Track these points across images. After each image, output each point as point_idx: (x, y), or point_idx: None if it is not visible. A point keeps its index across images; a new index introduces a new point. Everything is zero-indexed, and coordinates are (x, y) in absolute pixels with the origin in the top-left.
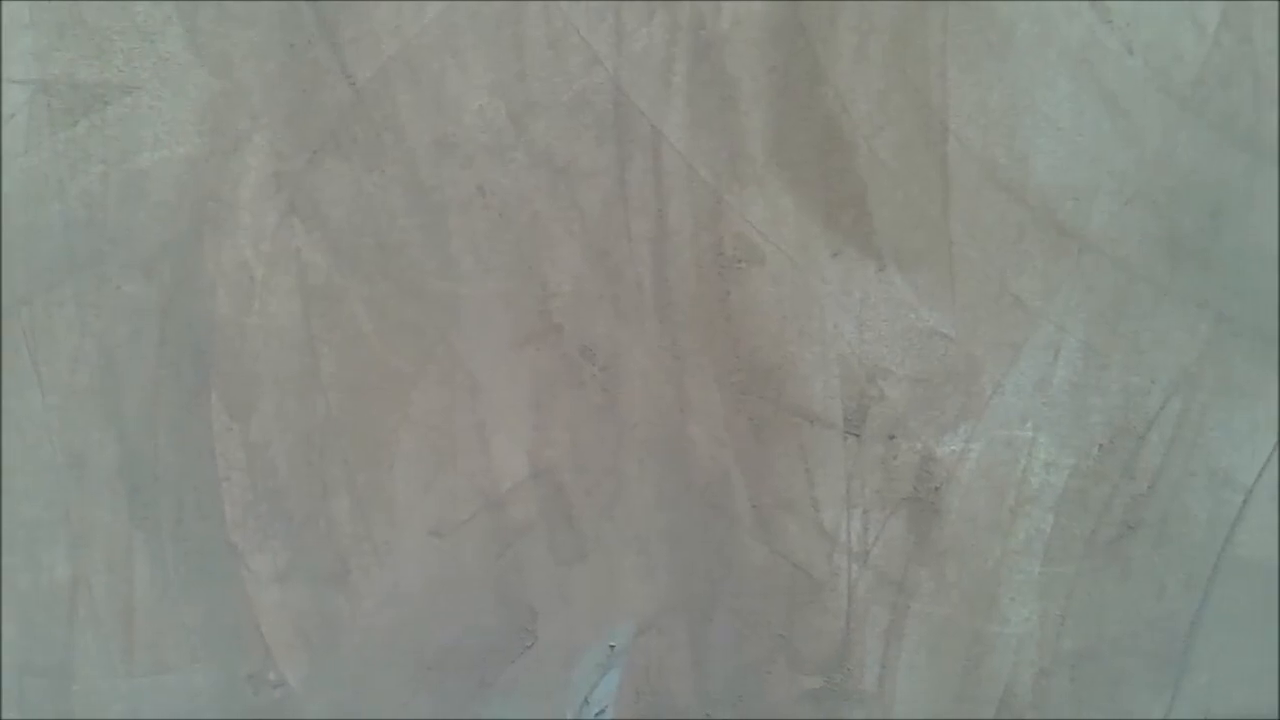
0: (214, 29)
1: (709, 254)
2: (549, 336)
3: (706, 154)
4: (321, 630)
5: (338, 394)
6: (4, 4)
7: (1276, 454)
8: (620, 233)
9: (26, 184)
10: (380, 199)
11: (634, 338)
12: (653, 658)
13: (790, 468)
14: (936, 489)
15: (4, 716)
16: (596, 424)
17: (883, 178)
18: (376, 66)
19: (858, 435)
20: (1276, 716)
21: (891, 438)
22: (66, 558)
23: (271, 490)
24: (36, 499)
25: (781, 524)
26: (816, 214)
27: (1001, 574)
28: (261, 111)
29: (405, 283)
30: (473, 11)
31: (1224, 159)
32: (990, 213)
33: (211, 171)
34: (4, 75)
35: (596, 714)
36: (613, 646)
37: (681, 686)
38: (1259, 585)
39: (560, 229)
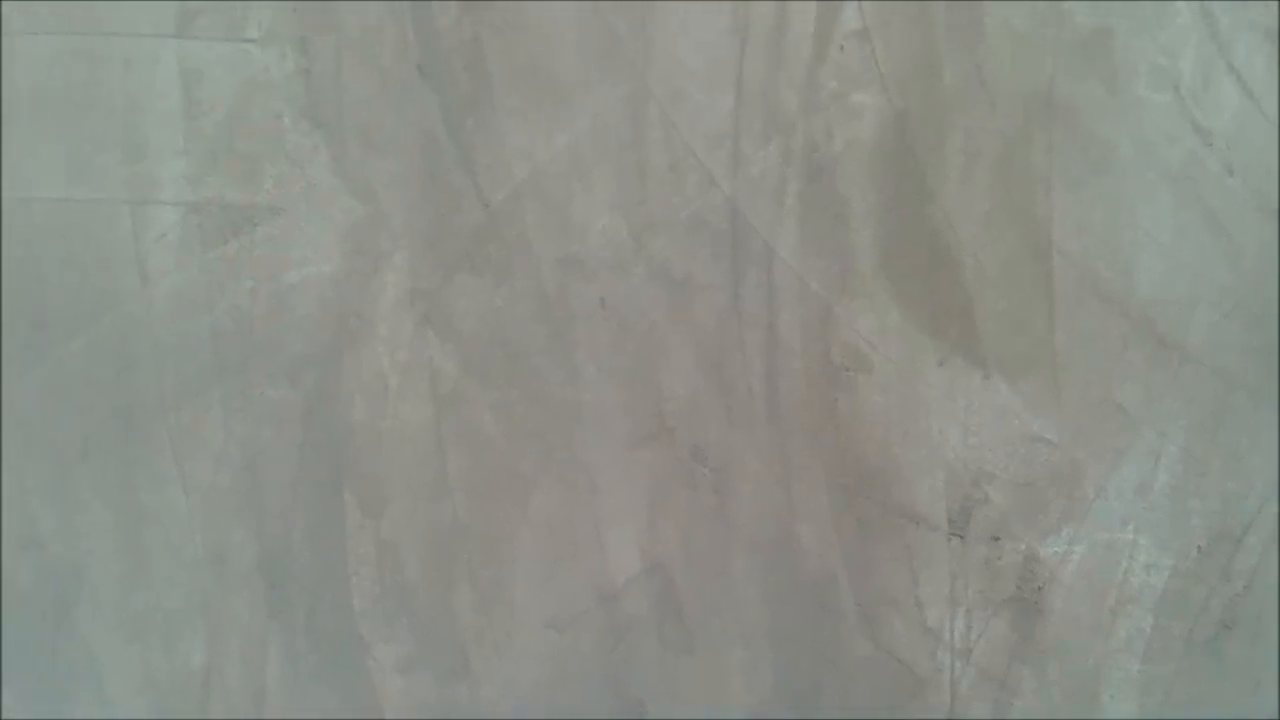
0: (359, 157)
1: (818, 362)
2: (663, 440)
3: (817, 268)
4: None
5: (463, 494)
6: (155, 130)
7: None
8: (733, 342)
9: (177, 299)
10: (508, 312)
11: (745, 441)
12: None
13: (895, 567)
14: (1039, 589)
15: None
16: (707, 523)
17: (988, 290)
18: (509, 190)
19: (962, 536)
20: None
21: (995, 539)
22: (203, 646)
23: (398, 585)
24: (177, 591)
25: (886, 621)
26: (923, 325)
27: (1102, 672)
28: (401, 233)
29: (529, 389)
30: (599, 139)
31: None
32: (1093, 324)
33: (353, 288)
34: (157, 197)
35: None
36: None
37: None
38: None
39: (677, 339)
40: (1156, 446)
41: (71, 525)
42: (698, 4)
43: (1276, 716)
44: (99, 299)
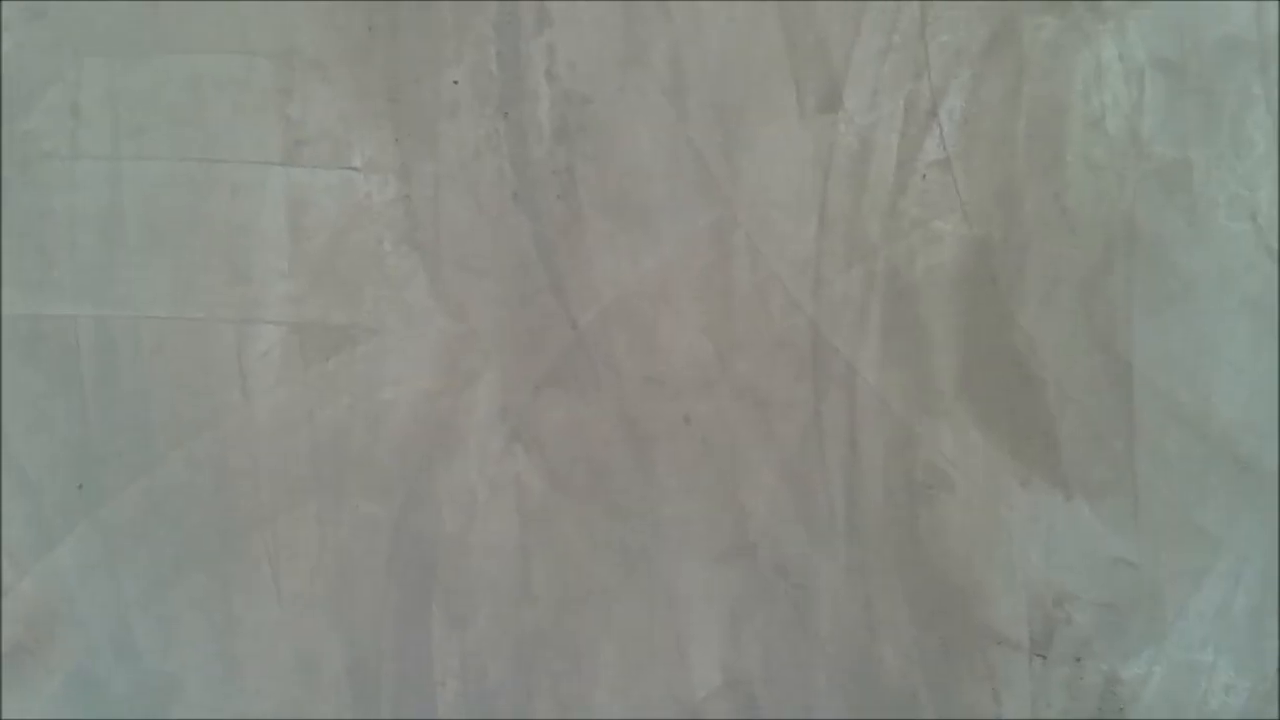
0: (454, 280)
1: (899, 481)
2: (745, 555)
3: (899, 389)
4: None
5: (547, 606)
6: (261, 253)
7: None
8: (815, 460)
9: (277, 414)
10: (594, 428)
11: (826, 558)
12: None
13: (977, 687)
14: (1120, 710)
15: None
16: (788, 638)
17: (1070, 412)
18: (597, 311)
19: (1044, 656)
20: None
21: (1078, 660)
22: None
23: (482, 694)
24: (267, 700)
25: None
26: (1005, 446)
27: None
28: (492, 351)
29: (613, 504)
30: (685, 263)
31: None
32: (1173, 447)
33: (445, 404)
34: (261, 317)
35: None
36: None
37: None
38: None
39: (759, 456)
40: (1236, 568)
41: (167, 635)
42: (783, 135)
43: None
44: (202, 414)
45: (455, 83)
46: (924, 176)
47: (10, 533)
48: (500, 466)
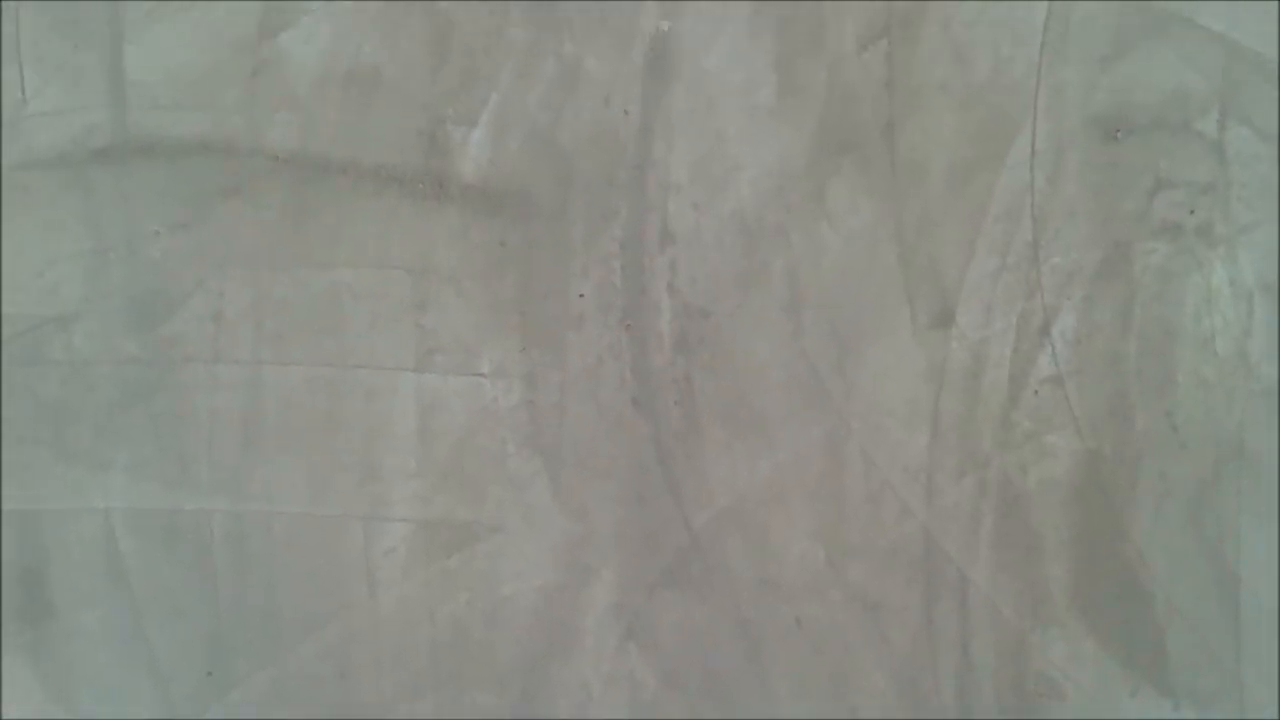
0: (575, 481)
1: (1010, 688)
2: None
3: (1010, 597)
4: None
5: None
6: (391, 454)
7: None
8: (926, 665)
9: (401, 608)
10: (707, 629)
11: None
12: None
13: None
14: None
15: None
16: None
17: (1179, 624)
18: (712, 514)
19: None
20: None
21: None
22: None
23: None
24: None
25: None
26: (1115, 655)
27: None
28: (610, 551)
29: (725, 703)
30: (799, 470)
31: None
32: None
33: (563, 601)
34: (389, 514)
35: None
36: None
37: None
38: None
39: (870, 660)
40: None
41: None
42: (897, 349)
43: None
44: (329, 607)
45: (581, 296)
46: (1036, 392)
47: (140, 716)
48: (614, 664)
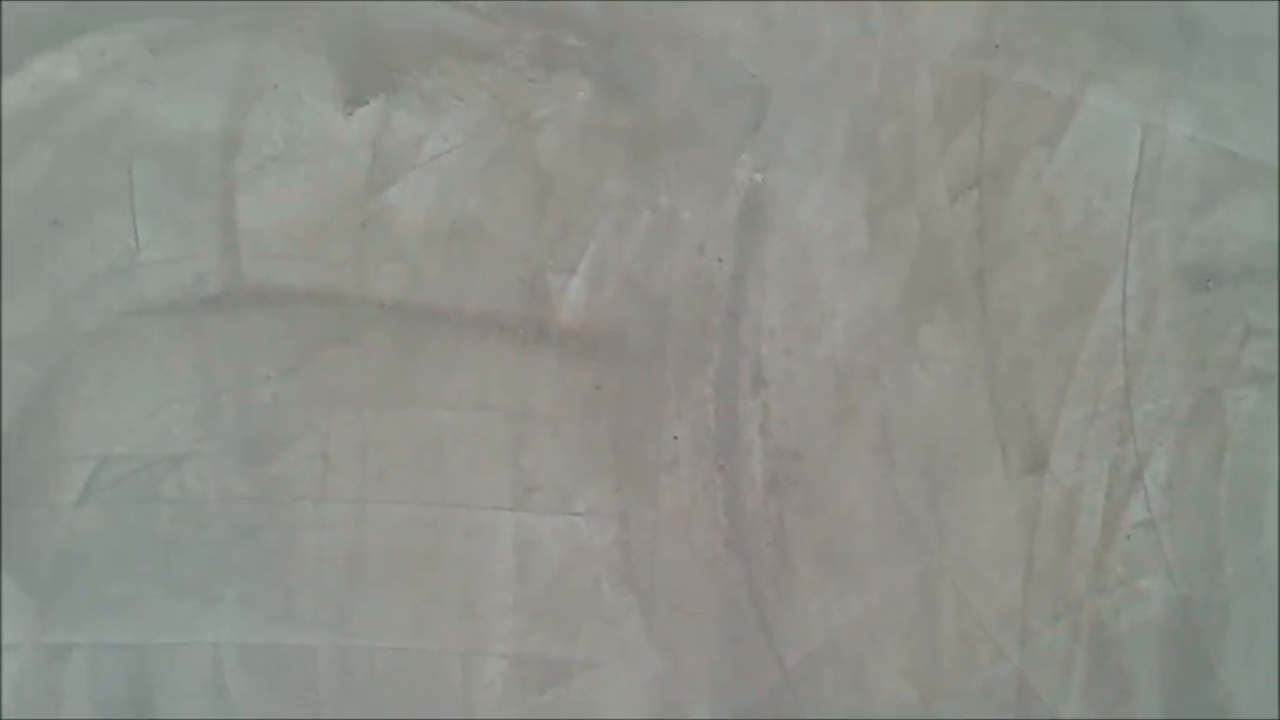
0: (667, 619)
1: None
2: None
3: None
4: None
5: None
6: (489, 591)
7: None
8: None
9: None
10: None
11: None
12: None
13: None
14: None
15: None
16: None
17: None
18: (804, 653)
19: None
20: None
21: None
22: None
23: None
24: None
25: None
26: None
27: None
28: (702, 688)
29: None
30: (892, 610)
31: None
32: None
33: None
34: (486, 650)
35: None
36: None
37: None
38: None
39: None
40: None
41: None
42: (990, 492)
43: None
44: None
45: (675, 438)
46: (1129, 536)
47: None
48: None
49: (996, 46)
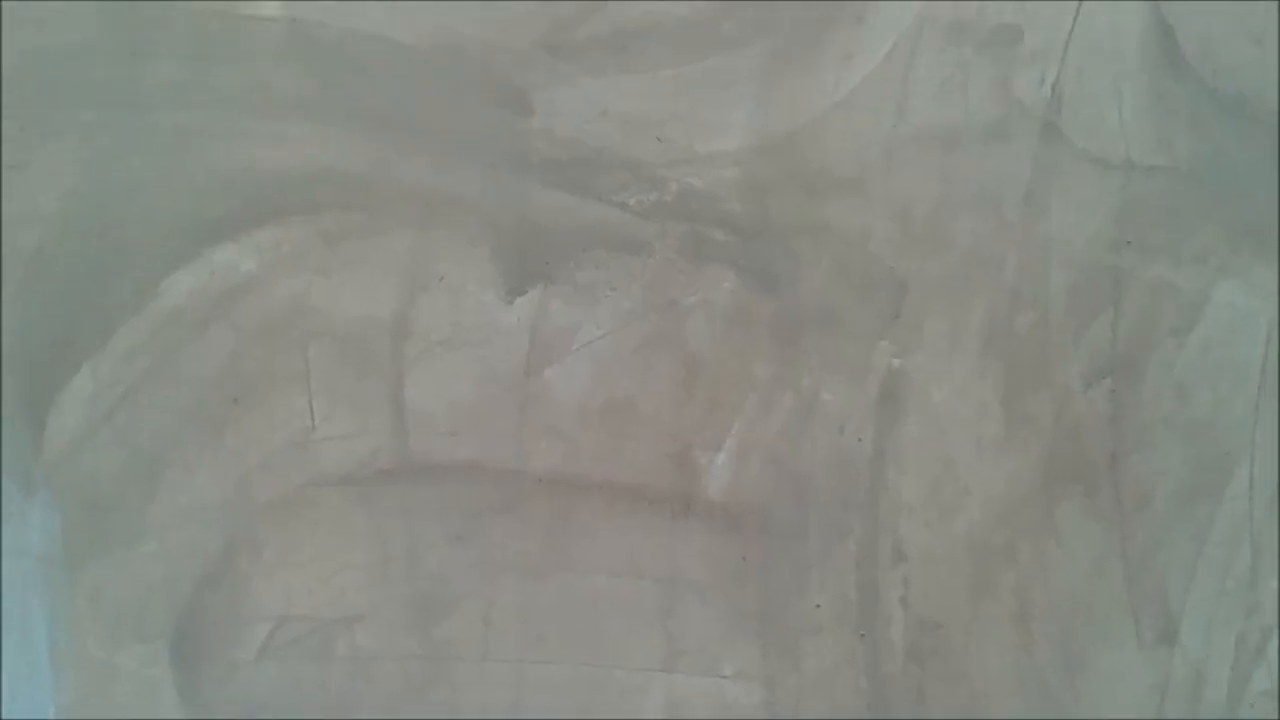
0: None
1: None
2: None
3: None
4: None
5: None
6: None
7: None
8: None
9: None
10: None
11: None
12: None
13: None
14: None
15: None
16: None
17: None
18: None
19: None
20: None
21: None
22: None
23: None
24: None
25: None
26: None
27: None
28: None
29: None
30: None
31: None
32: None
33: None
34: None
35: None
36: None
37: None
38: None
39: None
40: None
41: None
42: (1123, 663)
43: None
44: None
45: (818, 606)
46: (1252, 705)
47: None
48: None
49: (1128, 242)
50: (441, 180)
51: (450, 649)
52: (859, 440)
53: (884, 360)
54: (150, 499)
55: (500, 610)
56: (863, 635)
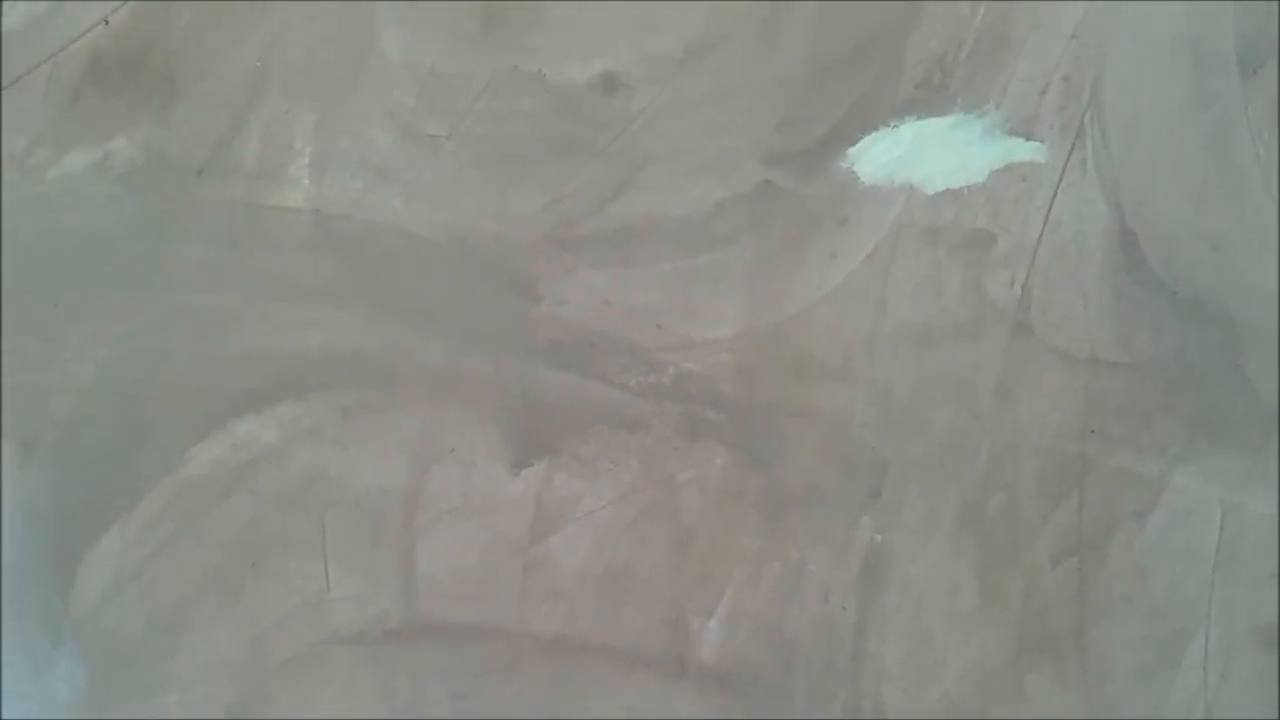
0: None
1: None
2: None
3: None
4: None
5: None
6: None
7: None
8: None
9: None
10: None
11: None
12: None
13: None
14: None
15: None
16: None
17: None
18: None
19: None
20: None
21: None
22: None
23: None
24: None
25: None
26: None
27: None
28: None
29: None
30: None
31: None
32: None
33: None
34: None
35: None
36: None
37: None
38: None
39: None
40: None
41: None
42: None
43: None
44: None
45: None
46: None
47: None
48: None
49: (1093, 432)
50: (454, 361)
51: None
52: (843, 609)
53: (866, 535)
54: (171, 655)
55: None
56: None
